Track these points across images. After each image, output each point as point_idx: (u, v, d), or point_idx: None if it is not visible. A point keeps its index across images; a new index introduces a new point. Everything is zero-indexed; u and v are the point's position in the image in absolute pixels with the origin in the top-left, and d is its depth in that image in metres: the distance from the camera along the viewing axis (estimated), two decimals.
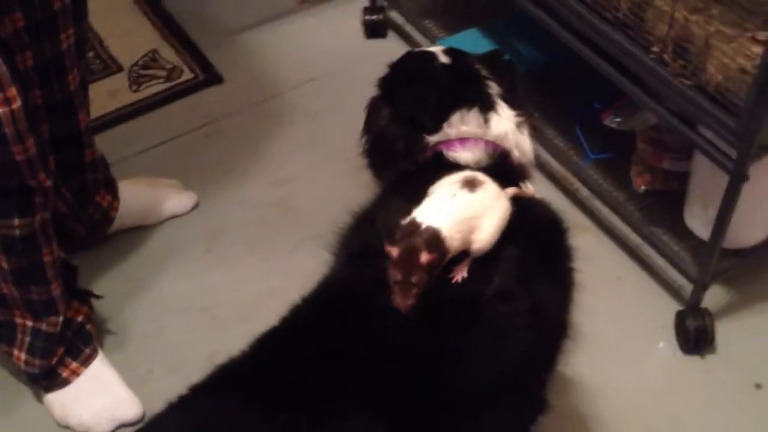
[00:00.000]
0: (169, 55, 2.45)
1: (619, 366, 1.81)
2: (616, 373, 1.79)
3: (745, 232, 1.77)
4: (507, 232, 1.19)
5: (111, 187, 1.93)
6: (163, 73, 2.39)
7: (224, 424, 1.07)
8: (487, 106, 1.33)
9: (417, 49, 1.51)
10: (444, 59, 1.39)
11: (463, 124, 1.32)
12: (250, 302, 1.89)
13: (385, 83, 1.43)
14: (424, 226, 1.13)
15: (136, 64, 2.42)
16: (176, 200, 2.07)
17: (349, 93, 2.35)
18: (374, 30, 2.49)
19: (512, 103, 1.36)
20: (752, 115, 1.46)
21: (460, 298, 1.15)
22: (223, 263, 1.99)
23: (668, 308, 1.86)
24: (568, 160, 2.04)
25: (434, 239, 1.12)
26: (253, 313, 1.84)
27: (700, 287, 1.77)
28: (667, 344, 1.84)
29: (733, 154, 1.54)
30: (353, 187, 2.11)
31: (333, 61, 2.45)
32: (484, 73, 1.37)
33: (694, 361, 1.82)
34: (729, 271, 1.82)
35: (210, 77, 2.39)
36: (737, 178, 1.55)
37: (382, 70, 1.46)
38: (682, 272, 1.81)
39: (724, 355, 1.82)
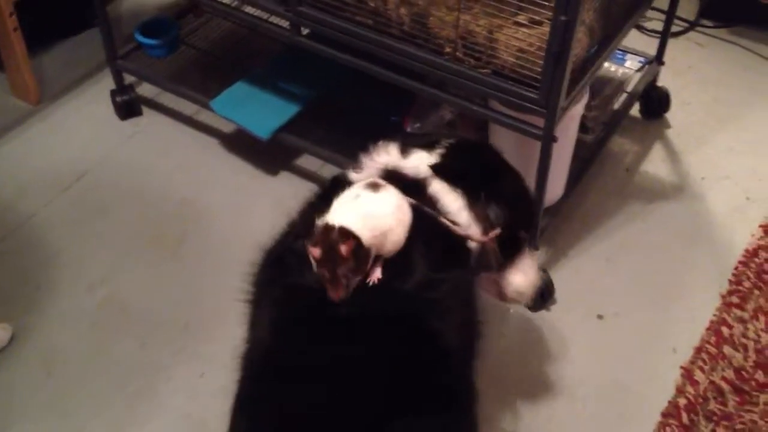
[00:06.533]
0: None
1: None
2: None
3: (549, 190, 1.99)
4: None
5: None
6: None
7: None
8: None
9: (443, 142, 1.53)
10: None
11: None
12: (118, 417, 1.78)
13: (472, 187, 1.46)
14: (336, 225, 1.25)
15: None
16: None
17: (128, 176, 2.28)
18: (128, 110, 2.41)
19: None
20: (551, 84, 1.67)
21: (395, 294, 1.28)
22: (70, 382, 1.84)
23: None
24: None
25: (346, 231, 1.24)
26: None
27: (533, 249, 1.96)
28: (515, 309, 2.01)
29: (539, 121, 1.75)
30: (172, 265, 2.07)
31: (96, 151, 2.34)
32: None
33: (542, 315, 2.01)
34: (546, 229, 2.04)
35: None
36: (548, 141, 1.76)
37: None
38: None
39: (563, 302, 2.03)
